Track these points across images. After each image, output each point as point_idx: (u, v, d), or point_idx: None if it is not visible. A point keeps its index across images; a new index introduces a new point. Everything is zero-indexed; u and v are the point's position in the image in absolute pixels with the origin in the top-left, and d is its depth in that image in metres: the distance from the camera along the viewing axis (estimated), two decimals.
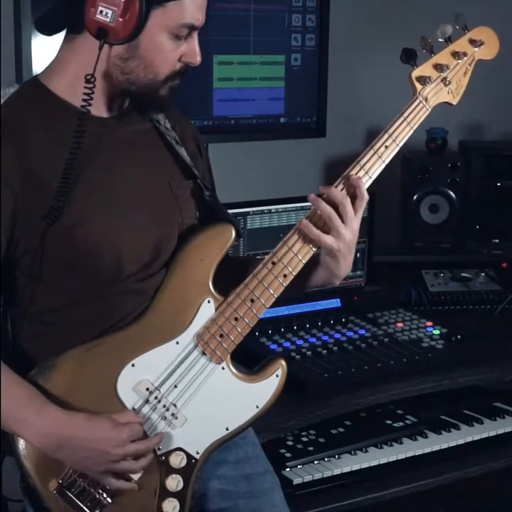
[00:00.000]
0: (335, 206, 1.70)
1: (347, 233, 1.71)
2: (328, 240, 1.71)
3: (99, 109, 1.68)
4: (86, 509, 1.66)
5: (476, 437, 2.43)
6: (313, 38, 2.99)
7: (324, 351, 2.46)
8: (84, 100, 1.60)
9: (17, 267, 1.65)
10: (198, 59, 1.69)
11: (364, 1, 3.17)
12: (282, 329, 2.57)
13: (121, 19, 1.57)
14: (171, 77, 1.68)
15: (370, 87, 3.18)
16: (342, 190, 1.72)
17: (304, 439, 2.30)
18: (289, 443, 2.28)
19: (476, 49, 1.86)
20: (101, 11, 1.57)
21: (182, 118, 1.89)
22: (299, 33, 2.97)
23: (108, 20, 1.58)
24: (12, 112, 1.64)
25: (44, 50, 2.42)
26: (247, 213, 2.63)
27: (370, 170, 1.76)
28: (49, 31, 1.69)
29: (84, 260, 1.64)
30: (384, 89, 3.11)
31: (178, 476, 1.72)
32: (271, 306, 1.76)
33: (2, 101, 1.69)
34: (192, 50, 1.68)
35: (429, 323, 2.71)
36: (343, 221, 1.70)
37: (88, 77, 1.60)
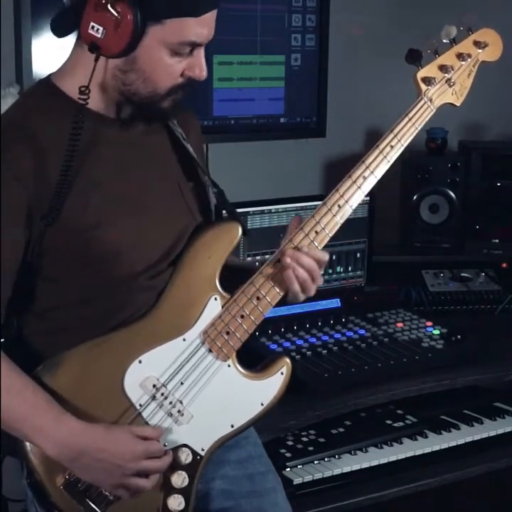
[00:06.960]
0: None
1: (313, 289, 1.74)
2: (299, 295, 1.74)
3: (108, 110, 1.68)
4: (92, 505, 1.65)
5: (476, 437, 2.43)
6: (313, 38, 2.99)
7: (324, 351, 2.46)
8: (77, 113, 1.59)
9: (30, 267, 1.64)
10: (203, 74, 1.65)
11: (364, 0, 3.17)
12: (282, 329, 2.56)
13: (112, 36, 1.56)
14: (173, 91, 1.65)
15: (369, 87, 3.17)
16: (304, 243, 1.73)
17: (304, 439, 2.30)
18: (289, 443, 2.28)
19: (480, 51, 1.86)
20: (93, 27, 1.57)
21: (188, 113, 1.87)
22: (299, 33, 2.97)
23: (99, 36, 1.57)
24: (24, 111, 1.64)
25: (44, 50, 2.42)
26: (248, 213, 2.63)
27: (375, 169, 1.77)
28: (60, 33, 1.67)
29: (99, 262, 1.64)
30: (384, 89, 3.11)
31: (183, 472, 1.72)
32: (274, 306, 1.76)
33: (2, 101, 1.69)
34: (196, 64, 1.64)
35: (429, 323, 2.70)
36: (313, 280, 1.73)
37: (82, 88, 1.60)
